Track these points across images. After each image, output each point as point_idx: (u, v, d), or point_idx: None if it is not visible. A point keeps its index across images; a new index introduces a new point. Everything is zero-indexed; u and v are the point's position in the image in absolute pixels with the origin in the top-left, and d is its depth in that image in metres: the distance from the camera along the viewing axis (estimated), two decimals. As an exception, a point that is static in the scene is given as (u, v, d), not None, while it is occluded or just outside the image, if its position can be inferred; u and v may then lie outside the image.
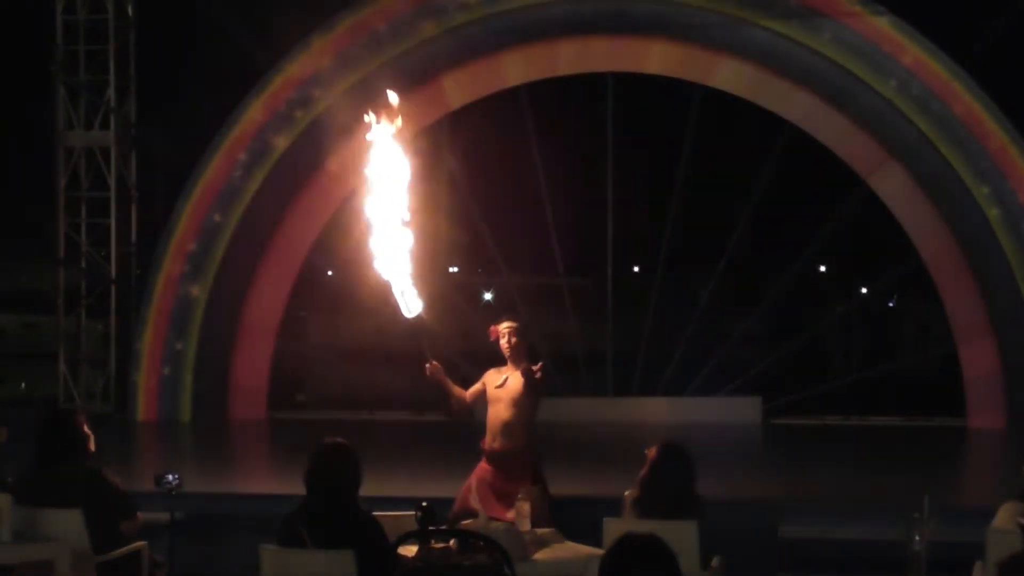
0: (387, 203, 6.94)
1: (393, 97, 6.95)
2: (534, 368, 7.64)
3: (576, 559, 6.08)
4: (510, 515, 6.89)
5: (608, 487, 7.85)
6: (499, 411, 7.75)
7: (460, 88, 16.76)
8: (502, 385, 7.78)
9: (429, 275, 7.43)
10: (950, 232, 15.83)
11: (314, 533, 5.49)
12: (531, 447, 7.75)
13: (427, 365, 7.68)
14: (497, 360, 7.95)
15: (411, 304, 7.21)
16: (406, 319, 7.25)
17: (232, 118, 16.59)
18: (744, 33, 16.02)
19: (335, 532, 5.47)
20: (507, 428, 7.71)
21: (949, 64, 15.69)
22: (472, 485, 7.68)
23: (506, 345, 7.81)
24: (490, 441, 7.75)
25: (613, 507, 6.69)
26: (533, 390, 7.66)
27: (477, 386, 7.95)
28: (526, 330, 7.94)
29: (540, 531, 6.47)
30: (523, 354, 7.80)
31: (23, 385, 19.42)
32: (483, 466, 7.75)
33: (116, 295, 17.57)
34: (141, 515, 6.75)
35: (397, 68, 16.43)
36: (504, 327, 7.85)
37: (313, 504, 5.59)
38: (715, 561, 6.34)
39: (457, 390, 7.91)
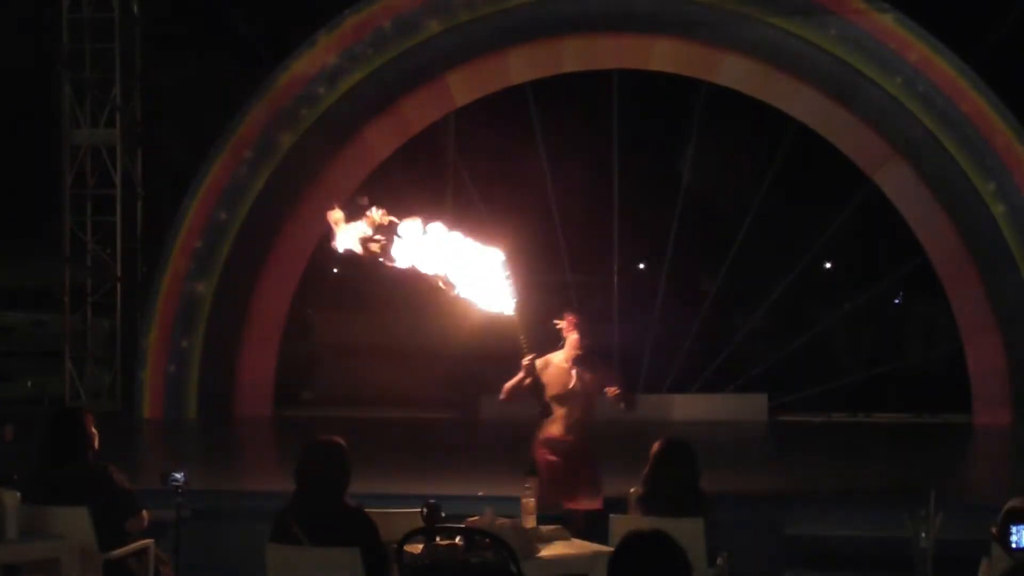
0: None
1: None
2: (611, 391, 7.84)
3: (582, 556, 6.07)
4: (576, 504, 7.26)
5: (614, 484, 7.84)
6: (573, 409, 7.87)
7: (465, 85, 16.76)
8: (575, 384, 7.84)
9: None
10: (956, 229, 15.80)
11: (311, 531, 5.49)
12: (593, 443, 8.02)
13: (526, 359, 7.73)
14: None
15: (503, 302, 7.27)
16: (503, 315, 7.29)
17: (238, 115, 16.61)
18: (749, 30, 16.01)
19: (332, 529, 5.48)
20: (580, 425, 7.90)
21: (955, 61, 15.66)
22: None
23: (579, 337, 7.90)
24: (564, 433, 7.85)
25: (619, 504, 6.69)
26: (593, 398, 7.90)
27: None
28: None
29: (546, 528, 6.46)
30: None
31: (29, 383, 19.43)
32: (548, 457, 7.78)
33: (122, 293, 17.59)
34: (147, 513, 6.75)
35: (402, 65, 16.46)
36: (579, 318, 7.97)
37: (303, 501, 5.60)
38: (721, 558, 6.34)
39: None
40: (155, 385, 16.67)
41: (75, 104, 17.49)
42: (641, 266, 23.21)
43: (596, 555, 5.89)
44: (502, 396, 8.02)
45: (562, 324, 7.98)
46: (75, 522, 6.34)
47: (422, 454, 13.57)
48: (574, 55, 16.71)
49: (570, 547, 6.29)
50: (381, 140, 16.84)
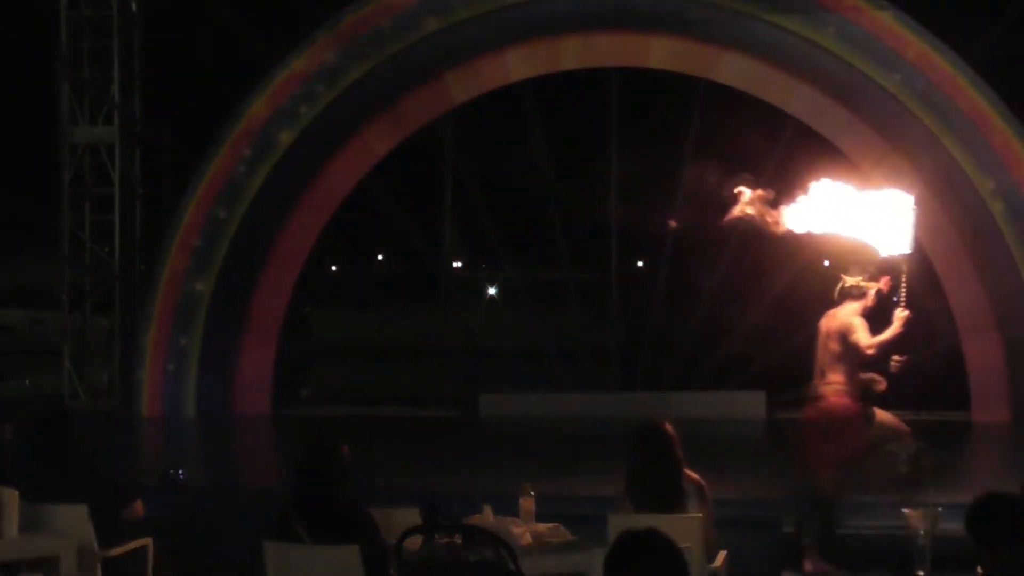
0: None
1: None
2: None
3: (580, 555, 6.08)
4: None
5: (613, 482, 7.84)
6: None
7: (463, 84, 16.75)
8: None
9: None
10: (954, 226, 15.80)
11: (312, 528, 5.51)
12: None
13: (906, 313, 8.28)
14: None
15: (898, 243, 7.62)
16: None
17: (236, 113, 16.59)
18: (747, 27, 16.00)
19: (332, 526, 5.49)
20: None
21: (953, 58, 15.65)
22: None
23: (873, 306, 8.36)
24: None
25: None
26: None
27: None
28: None
29: (544, 526, 6.46)
30: None
31: (28, 382, 19.45)
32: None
33: (121, 291, 17.58)
34: (143, 505, 6.75)
35: (401, 64, 16.45)
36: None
37: (303, 498, 5.62)
38: (720, 557, 6.32)
39: None
40: (154, 384, 16.66)
41: (74, 102, 17.47)
42: (640, 263, 23.24)
43: (595, 554, 5.89)
44: (873, 351, 8.44)
45: (876, 284, 8.34)
46: (73, 520, 6.35)
47: (422, 453, 13.58)
48: (573, 53, 16.71)
49: (568, 546, 6.29)
50: (380, 138, 16.84)
